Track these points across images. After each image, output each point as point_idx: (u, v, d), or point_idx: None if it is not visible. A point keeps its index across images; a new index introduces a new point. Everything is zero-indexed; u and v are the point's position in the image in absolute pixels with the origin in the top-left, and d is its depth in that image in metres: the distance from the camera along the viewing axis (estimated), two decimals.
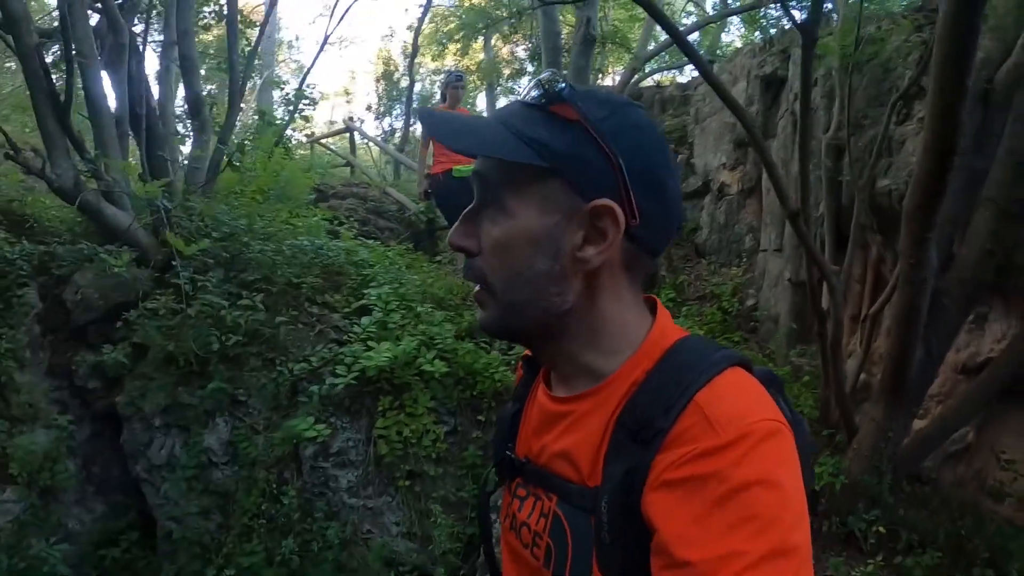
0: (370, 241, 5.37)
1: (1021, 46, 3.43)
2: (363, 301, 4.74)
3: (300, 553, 3.98)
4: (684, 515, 0.66)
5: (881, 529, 3.80)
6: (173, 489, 4.16)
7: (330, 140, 12.51)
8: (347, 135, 12.48)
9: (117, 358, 4.19)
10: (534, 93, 0.80)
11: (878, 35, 4.22)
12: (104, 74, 4.75)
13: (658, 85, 9.18)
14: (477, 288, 0.86)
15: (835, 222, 4.74)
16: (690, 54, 3.85)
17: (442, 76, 7.23)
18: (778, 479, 0.67)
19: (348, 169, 10.79)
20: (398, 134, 14.68)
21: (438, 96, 7.42)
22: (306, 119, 5.11)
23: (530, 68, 11.53)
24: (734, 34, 13.23)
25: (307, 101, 4.92)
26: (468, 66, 15.42)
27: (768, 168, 3.92)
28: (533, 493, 0.91)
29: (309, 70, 7.79)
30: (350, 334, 4.45)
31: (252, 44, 5.68)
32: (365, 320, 4.49)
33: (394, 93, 15.87)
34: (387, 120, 16.22)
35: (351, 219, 5.91)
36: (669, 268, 6.16)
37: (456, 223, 0.86)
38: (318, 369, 4.38)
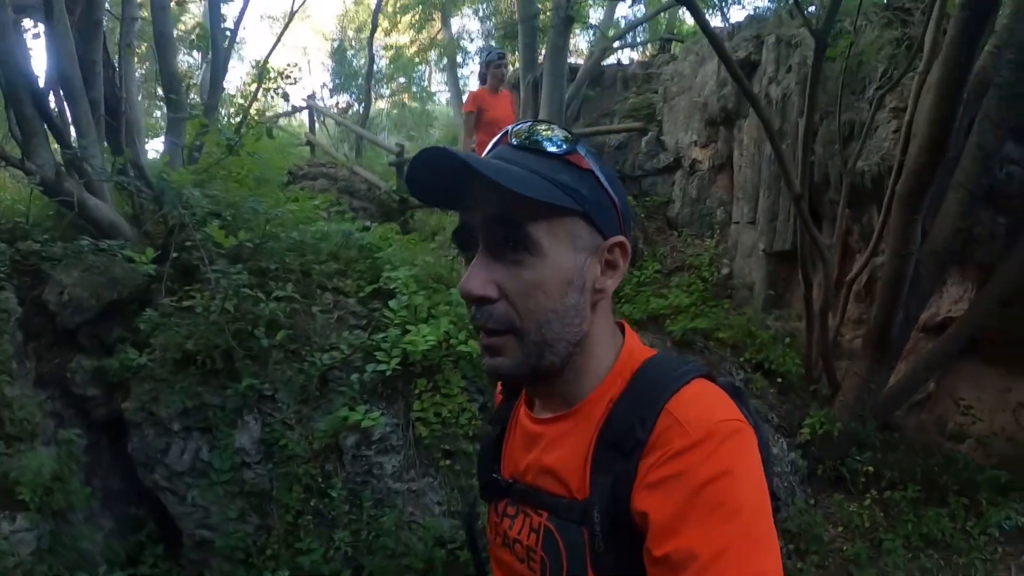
0: (369, 223, 5.54)
1: (987, 53, 4.28)
2: (378, 285, 4.94)
3: (352, 544, 4.25)
4: (666, 511, 0.77)
5: (870, 469, 4.72)
6: (207, 495, 4.20)
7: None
8: (291, 113, 12.25)
9: (141, 361, 4.17)
10: (553, 144, 0.91)
11: (852, 29, 5.01)
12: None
13: (619, 63, 9.76)
14: (487, 336, 0.92)
15: (808, 198, 5.56)
16: (706, 30, 4.34)
17: (480, 55, 6.96)
18: (741, 470, 0.78)
19: (303, 148, 10.57)
20: (352, 110, 14.67)
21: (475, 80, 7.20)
22: (286, 97, 5.08)
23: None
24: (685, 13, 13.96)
25: (288, 80, 4.90)
26: (421, 41, 15.40)
27: (777, 154, 4.58)
28: (522, 511, 1.00)
29: (275, 46, 7.51)
30: (382, 319, 4.66)
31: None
32: (393, 304, 4.71)
33: (350, 70, 15.52)
34: (343, 97, 15.98)
35: (343, 203, 5.99)
36: (646, 241, 6.82)
37: (469, 272, 0.92)
38: (349, 357, 4.59)
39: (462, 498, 4.56)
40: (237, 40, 5.38)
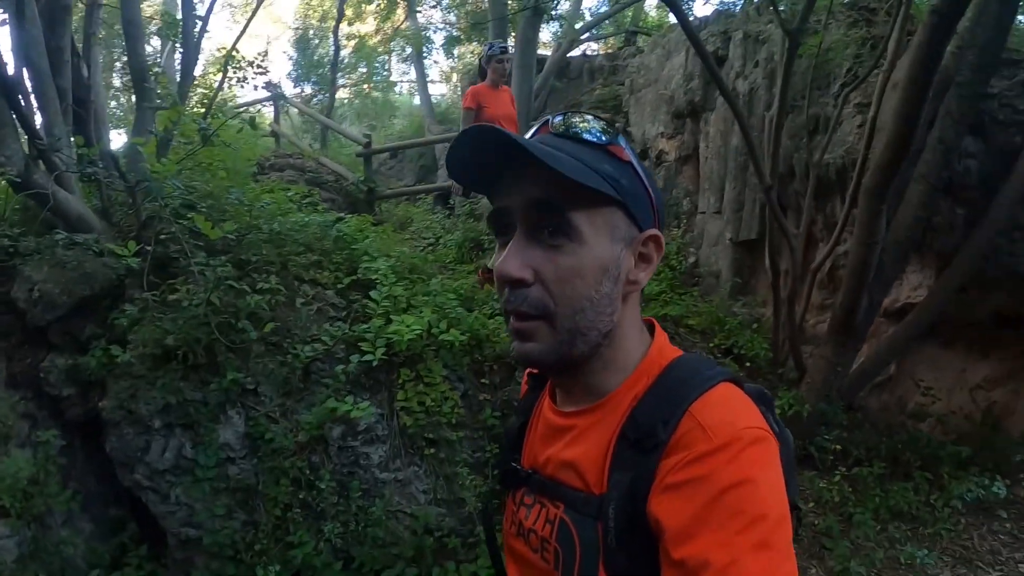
0: (342, 215, 5.54)
1: (949, 53, 4.54)
2: (356, 276, 4.94)
3: (341, 535, 4.29)
4: (685, 514, 0.77)
5: (837, 447, 4.99)
6: (191, 492, 4.17)
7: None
8: (258, 103, 11.94)
9: (125, 358, 4.11)
10: (594, 135, 0.93)
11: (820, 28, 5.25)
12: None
13: (585, 55, 9.89)
14: (518, 320, 0.93)
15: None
16: (686, 26, 4.46)
17: (484, 49, 6.30)
18: (763, 479, 0.78)
19: (269, 139, 10.36)
20: (314, 100, 14.44)
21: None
22: (267, 86, 4.98)
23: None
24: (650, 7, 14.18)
25: (261, 70, 4.80)
26: (386, 31, 15.21)
27: (749, 146, 4.77)
28: (538, 501, 1.02)
29: (243, 32, 7.29)
30: (363, 310, 4.67)
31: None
32: (375, 294, 4.74)
33: (315, 59, 15.22)
34: (306, 87, 15.77)
35: (315, 194, 5.94)
36: None
37: (506, 254, 0.92)
38: (332, 348, 4.60)
39: (448, 486, 4.65)
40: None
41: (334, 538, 4.21)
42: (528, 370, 1.20)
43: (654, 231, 0.96)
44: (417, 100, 20.14)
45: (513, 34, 8.28)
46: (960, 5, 3.50)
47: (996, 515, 4.71)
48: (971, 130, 4.53)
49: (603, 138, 0.94)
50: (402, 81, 21.72)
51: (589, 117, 0.95)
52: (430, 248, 6.38)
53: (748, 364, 5.51)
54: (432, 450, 4.62)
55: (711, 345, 5.63)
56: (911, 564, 4.21)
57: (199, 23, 5.03)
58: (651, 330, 1.04)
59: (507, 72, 5.90)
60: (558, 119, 0.96)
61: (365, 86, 18.36)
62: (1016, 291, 4.81)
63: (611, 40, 11.69)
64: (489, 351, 5.04)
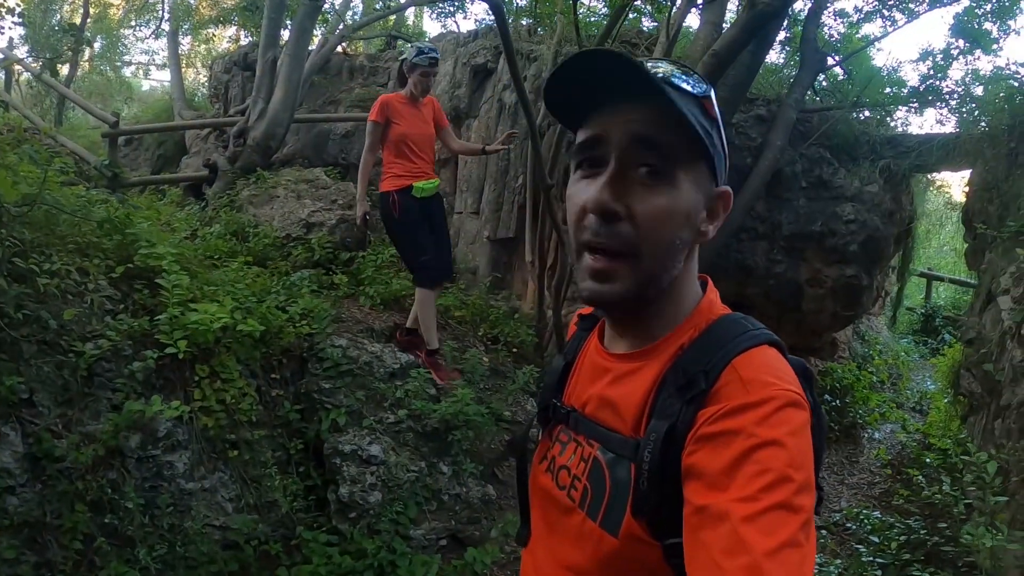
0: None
1: None
2: (131, 264, 4.48)
3: (157, 558, 3.85)
4: (714, 465, 0.83)
5: None
6: None
7: None
8: None
9: None
10: (691, 84, 0.95)
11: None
12: None
13: (346, 53, 9.50)
14: (602, 257, 0.96)
15: (534, 192, 6.54)
16: (504, 34, 4.94)
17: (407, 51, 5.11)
18: (792, 444, 0.83)
19: None
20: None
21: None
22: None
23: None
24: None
25: (18, 19, 3.88)
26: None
27: (535, 150, 5.47)
28: (575, 439, 1.08)
29: None
30: (144, 301, 4.38)
31: None
32: (163, 282, 4.44)
33: (56, 27, 11.68)
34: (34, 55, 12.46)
35: (69, 172, 4.92)
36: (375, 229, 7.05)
37: (603, 185, 0.94)
38: (119, 345, 4.09)
39: (256, 490, 4.47)
40: None
41: (151, 564, 3.81)
42: (580, 312, 1.28)
43: (727, 188, 1.03)
44: (146, 85, 20.05)
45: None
46: (735, 52, 4.61)
47: None
48: None
49: (700, 89, 0.96)
50: (133, 64, 20.36)
51: (677, 66, 0.97)
52: (186, 241, 5.87)
53: (515, 350, 6.18)
54: (235, 452, 4.46)
55: (479, 334, 6.19)
56: None
57: None
58: (703, 286, 1.10)
59: (430, 87, 5.12)
60: (649, 64, 0.96)
61: (89, 62, 15.81)
62: (740, 279, 6.32)
63: (359, 43, 11.71)
64: (277, 344, 4.95)
